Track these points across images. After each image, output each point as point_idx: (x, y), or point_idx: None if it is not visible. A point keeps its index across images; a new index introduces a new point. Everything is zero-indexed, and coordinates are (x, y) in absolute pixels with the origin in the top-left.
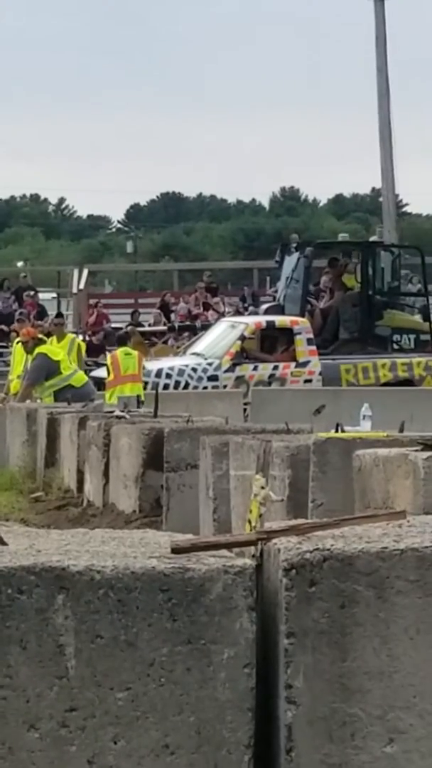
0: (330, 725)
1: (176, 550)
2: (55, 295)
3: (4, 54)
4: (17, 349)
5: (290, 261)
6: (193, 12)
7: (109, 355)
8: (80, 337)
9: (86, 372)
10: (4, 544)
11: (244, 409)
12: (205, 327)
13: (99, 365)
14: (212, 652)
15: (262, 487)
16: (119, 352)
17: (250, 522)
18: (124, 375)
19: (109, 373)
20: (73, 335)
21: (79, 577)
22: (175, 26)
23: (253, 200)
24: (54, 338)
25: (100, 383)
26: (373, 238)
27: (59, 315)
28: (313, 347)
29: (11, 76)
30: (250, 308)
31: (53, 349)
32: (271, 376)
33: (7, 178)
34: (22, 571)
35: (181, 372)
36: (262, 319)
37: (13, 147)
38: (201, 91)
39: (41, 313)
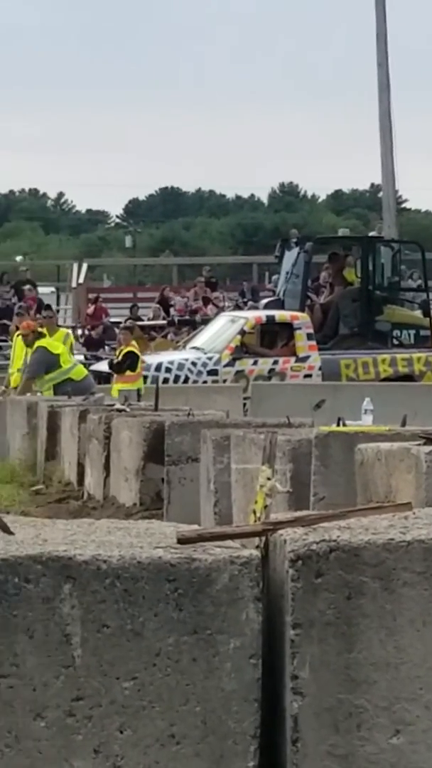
0: (336, 716)
1: (182, 541)
2: (54, 289)
3: (2, 47)
4: (17, 343)
5: (290, 256)
6: (190, 6)
7: (133, 347)
8: (79, 331)
9: (85, 365)
10: (11, 533)
11: (244, 404)
12: (205, 321)
13: (98, 359)
14: (218, 643)
15: (268, 478)
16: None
17: (254, 513)
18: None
19: (137, 366)
20: (67, 330)
21: (86, 567)
22: (173, 20)
23: (252, 195)
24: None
25: (100, 377)
26: (372, 234)
27: (47, 308)
28: (313, 342)
29: (10, 69)
30: (250, 303)
31: (53, 342)
32: (271, 370)
33: (6, 173)
34: (29, 561)
35: (180, 366)
36: (262, 314)
37: (12, 141)
38: (199, 86)
39: (40, 307)
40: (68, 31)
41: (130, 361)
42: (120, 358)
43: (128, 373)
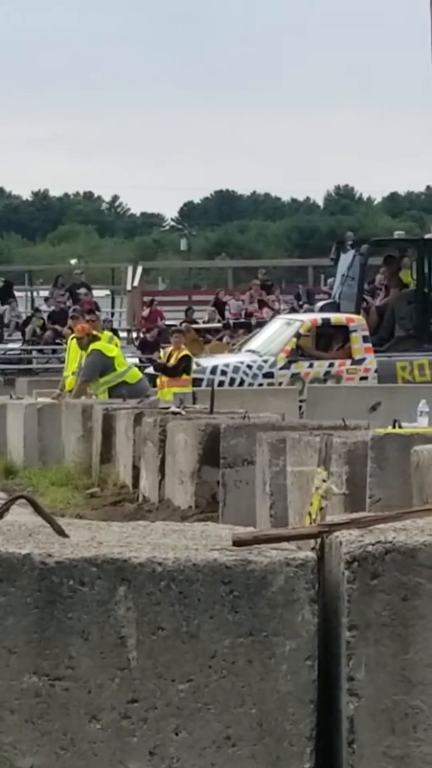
0: (392, 717)
1: (238, 543)
2: (109, 292)
3: (60, 50)
4: (72, 346)
5: (346, 258)
6: (246, 8)
7: (164, 354)
8: (134, 334)
9: (140, 368)
10: (65, 536)
11: (300, 406)
12: (260, 324)
13: (153, 362)
14: (274, 644)
15: (324, 480)
16: (175, 348)
17: (310, 515)
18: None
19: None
20: (110, 333)
21: (141, 569)
22: (227, 22)
23: (308, 198)
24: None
25: (154, 380)
26: (428, 236)
27: (90, 312)
28: (369, 344)
29: (64, 72)
30: (306, 306)
31: (108, 345)
32: (327, 373)
33: (60, 176)
34: (84, 563)
35: (236, 369)
36: (318, 317)
37: (67, 144)
38: (255, 89)
39: (94, 311)
40: (121, 32)
41: (186, 365)
42: (175, 361)
43: (184, 376)
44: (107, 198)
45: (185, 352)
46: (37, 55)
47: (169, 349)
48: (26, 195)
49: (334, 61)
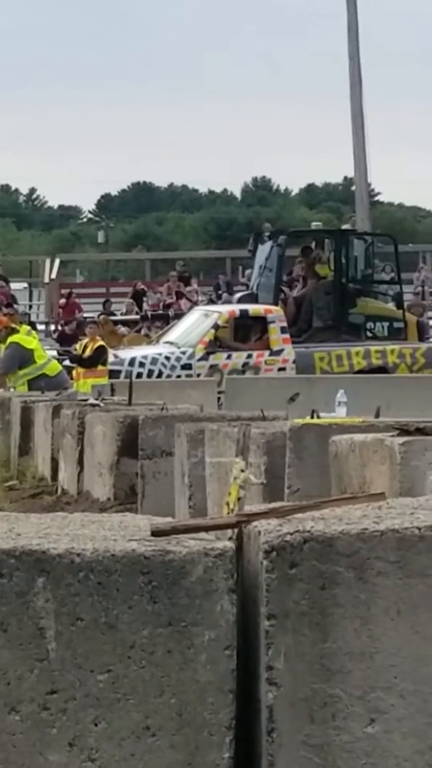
0: (311, 706)
1: (156, 533)
2: (26, 285)
3: None
4: None
5: (263, 250)
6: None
7: (80, 345)
8: (52, 326)
9: (59, 361)
10: None
11: (218, 398)
12: (178, 316)
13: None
14: (193, 635)
15: (242, 471)
16: (91, 340)
17: (228, 505)
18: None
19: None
20: (28, 326)
21: (59, 560)
22: (146, 18)
23: (225, 190)
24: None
25: (71, 371)
26: (345, 227)
27: (8, 305)
28: (287, 335)
29: None
30: (224, 297)
31: (26, 338)
32: (245, 364)
33: None
34: (2, 555)
35: (154, 361)
36: (236, 308)
37: None
38: (170, 82)
39: (12, 304)
40: (40, 27)
41: (101, 355)
42: (91, 352)
43: (100, 367)
44: (24, 191)
45: (100, 343)
46: None
47: (85, 340)
48: None
49: (252, 53)
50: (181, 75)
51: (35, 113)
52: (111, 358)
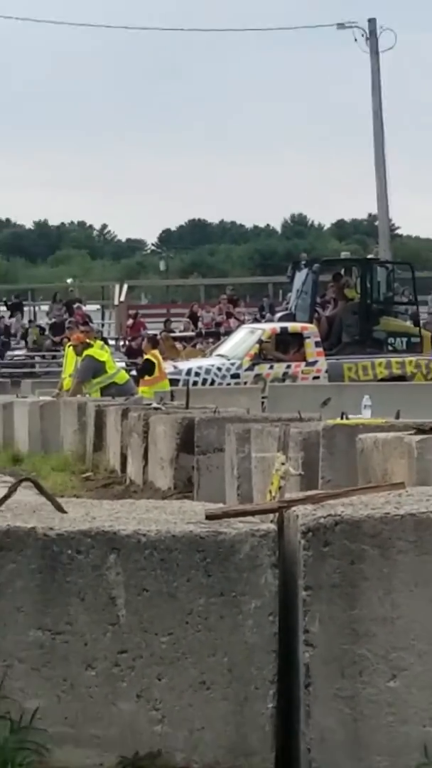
0: (342, 664)
1: (210, 517)
2: (99, 307)
3: (49, 92)
4: (69, 352)
5: (300, 276)
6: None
7: (152, 356)
8: (121, 342)
9: (126, 371)
10: (64, 512)
11: (262, 402)
12: (228, 333)
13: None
14: (241, 603)
15: (283, 464)
16: (155, 353)
17: (270, 493)
18: (161, 373)
19: (148, 371)
20: (100, 341)
21: (128, 540)
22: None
23: (268, 225)
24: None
25: (138, 381)
26: (370, 256)
27: (85, 323)
28: (320, 349)
29: (63, 114)
30: (267, 316)
31: (99, 351)
32: (285, 374)
33: (57, 207)
34: (80, 535)
35: (207, 371)
36: (277, 326)
37: (63, 179)
38: (222, 134)
39: (87, 323)
40: (110, 79)
41: (145, 368)
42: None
43: (146, 377)
44: (97, 226)
45: (147, 356)
46: (31, 105)
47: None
48: (29, 224)
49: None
50: (231, 128)
51: (107, 158)
52: (171, 369)
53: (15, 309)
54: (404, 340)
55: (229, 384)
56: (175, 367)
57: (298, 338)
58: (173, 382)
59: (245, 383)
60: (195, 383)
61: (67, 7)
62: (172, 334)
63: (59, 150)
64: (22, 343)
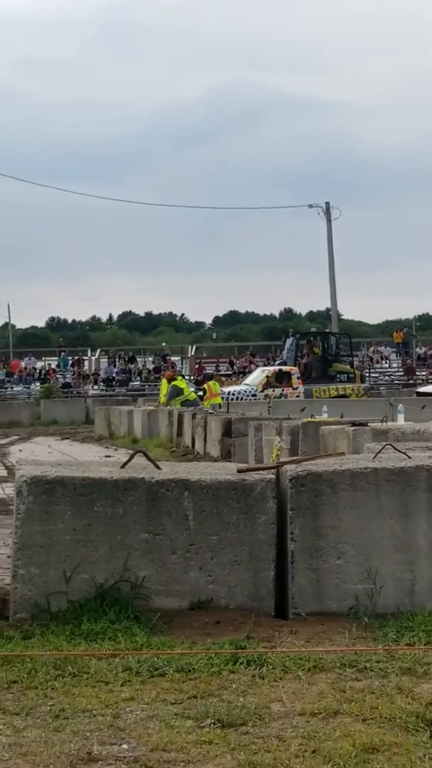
0: (311, 550)
1: (240, 471)
2: (180, 357)
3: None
4: (163, 382)
5: (289, 342)
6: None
7: (205, 386)
8: (192, 378)
9: (195, 393)
10: (160, 469)
11: (268, 410)
12: (250, 372)
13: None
14: (256, 517)
15: (279, 442)
16: (211, 383)
17: (272, 458)
18: (214, 393)
19: (206, 393)
20: (181, 376)
21: (195, 483)
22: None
23: (271, 314)
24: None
25: (201, 398)
26: (327, 330)
27: (172, 366)
28: (300, 380)
29: (170, 249)
30: (271, 363)
31: (180, 381)
32: (281, 394)
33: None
34: (168, 481)
35: (239, 393)
36: (276, 368)
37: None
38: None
39: (173, 366)
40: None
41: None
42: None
43: (205, 396)
44: (178, 314)
45: (204, 386)
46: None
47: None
48: (141, 313)
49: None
50: (250, 258)
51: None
52: (220, 391)
53: (131, 360)
54: (345, 375)
55: (250, 400)
56: (222, 390)
57: (288, 375)
58: (222, 399)
59: (259, 399)
60: (232, 399)
61: None
62: (220, 373)
63: (163, 270)
64: (138, 378)
